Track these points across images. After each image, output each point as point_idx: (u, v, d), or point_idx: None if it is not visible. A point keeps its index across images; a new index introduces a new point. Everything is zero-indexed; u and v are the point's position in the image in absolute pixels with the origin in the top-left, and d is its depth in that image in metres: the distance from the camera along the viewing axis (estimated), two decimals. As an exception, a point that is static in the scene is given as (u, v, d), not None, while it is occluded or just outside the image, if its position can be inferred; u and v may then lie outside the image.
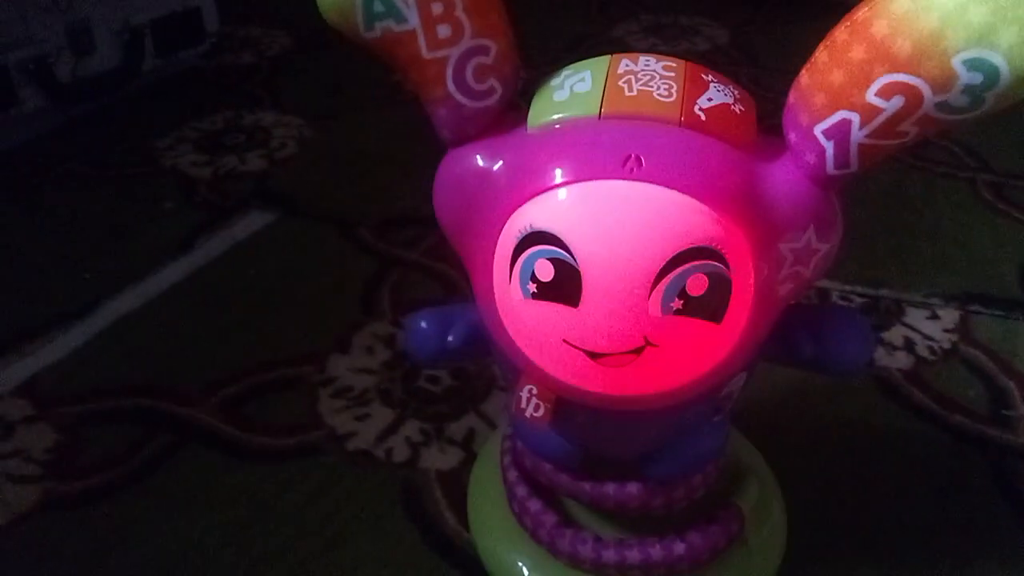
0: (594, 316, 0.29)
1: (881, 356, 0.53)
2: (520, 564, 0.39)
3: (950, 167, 0.72)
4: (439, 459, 0.47)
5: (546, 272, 0.28)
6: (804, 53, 0.28)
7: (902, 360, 0.53)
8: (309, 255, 0.64)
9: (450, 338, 0.36)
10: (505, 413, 0.40)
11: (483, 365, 0.51)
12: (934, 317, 0.56)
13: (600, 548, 0.37)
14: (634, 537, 0.38)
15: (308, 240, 0.66)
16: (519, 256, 0.29)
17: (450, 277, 0.59)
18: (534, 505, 0.39)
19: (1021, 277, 0.60)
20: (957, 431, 0.48)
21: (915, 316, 0.56)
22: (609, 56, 0.31)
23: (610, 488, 0.36)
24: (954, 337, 0.54)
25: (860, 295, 0.58)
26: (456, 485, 0.45)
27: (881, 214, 0.66)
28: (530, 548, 0.39)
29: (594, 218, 0.28)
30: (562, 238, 0.28)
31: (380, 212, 0.68)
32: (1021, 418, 0.49)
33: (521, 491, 0.39)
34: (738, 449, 0.43)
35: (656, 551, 0.37)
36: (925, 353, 0.53)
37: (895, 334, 0.55)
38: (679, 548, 0.37)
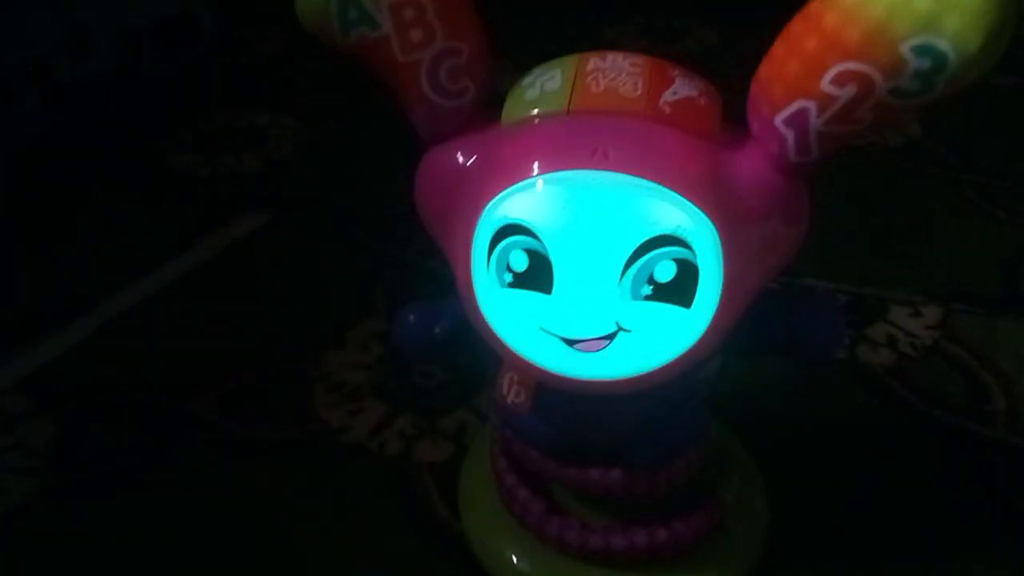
0: (567, 303, 0.30)
1: (864, 352, 0.54)
2: (509, 551, 0.40)
3: (935, 167, 0.73)
4: (431, 452, 0.48)
5: (520, 262, 0.30)
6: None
7: (885, 356, 0.54)
8: (304, 254, 0.65)
9: (437, 330, 0.37)
10: (491, 401, 0.41)
11: (474, 360, 0.52)
12: (917, 314, 0.57)
13: (586, 534, 0.38)
14: (619, 524, 0.39)
15: (303, 239, 0.67)
16: (495, 247, 0.30)
17: (442, 275, 0.59)
18: (522, 493, 0.40)
19: (1003, 275, 0.61)
20: (938, 425, 0.49)
21: (898, 313, 0.57)
22: (578, 55, 0.32)
23: (594, 473, 0.37)
24: (936, 334, 0.55)
25: (844, 292, 0.59)
26: (448, 477, 0.46)
27: (866, 213, 0.67)
28: (518, 536, 0.40)
29: (563, 209, 0.29)
30: (533, 229, 0.29)
31: (374, 211, 0.69)
32: (1000, 413, 0.50)
33: (510, 480, 0.40)
34: (722, 441, 0.43)
35: (640, 537, 0.38)
36: (908, 349, 0.54)
37: (878, 331, 0.55)
38: (662, 535, 0.38)
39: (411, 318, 0.38)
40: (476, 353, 0.36)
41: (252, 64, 0.96)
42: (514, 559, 0.40)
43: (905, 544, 0.43)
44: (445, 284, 0.35)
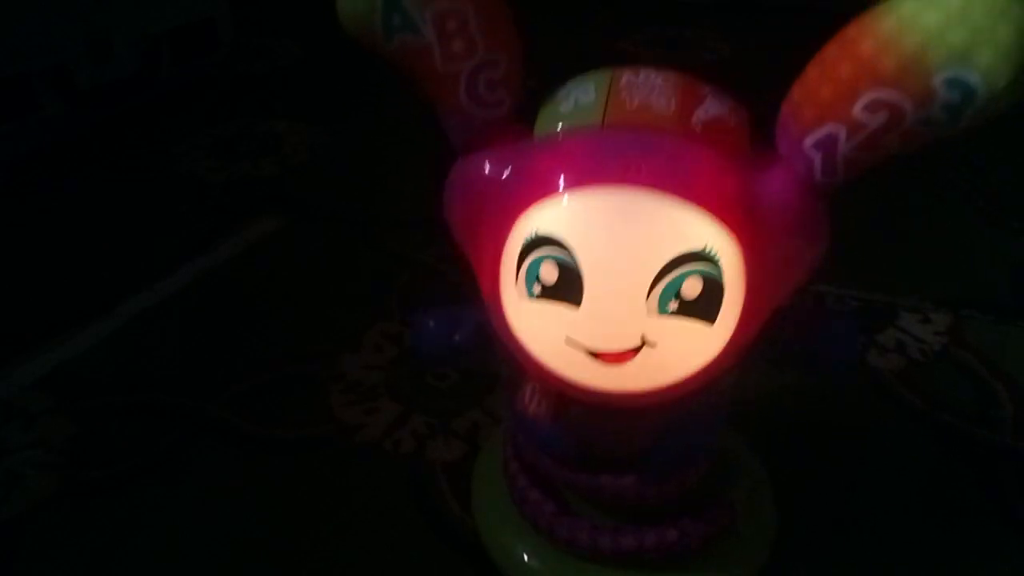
0: (594, 316, 0.30)
1: (873, 357, 0.54)
2: (521, 550, 0.41)
3: (947, 175, 0.74)
4: (444, 451, 0.48)
5: (550, 274, 0.30)
6: (805, 65, 0.29)
7: (894, 361, 0.54)
8: (320, 257, 0.66)
9: (456, 338, 0.38)
10: (507, 408, 0.41)
11: (487, 363, 0.53)
12: (926, 321, 0.57)
13: (596, 535, 0.39)
14: (629, 525, 0.39)
15: (319, 243, 0.67)
16: (525, 258, 0.30)
17: (456, 278, 0.60)
18: (534, 495, 0.40)
19: (1012, 283, 0.61)
20: (945, 430, 0.49)
21: (907, 320, 0.57)
22: (612, 69, 0.32)
23: (606, 480, 0.38)
24: (945, 340, 0.56)
25: (855, 298, 0.59)
26: (460, 476, 0.46)
27: (878, 220, 0.68)
28: (530, 535, 0.41)
29: (595, 223, 0.30)
30: (565, 242, 0.30)
31: (389, 215, 0.70)
32: (1008, 419, 0.50)
33: (522, 481, 0.41)
34: (731, 446, 0.44)
35: (650, 538, 0.38)
36: (916, 355, 0.55)
37: (888, 336, 0.56)
38: (672, 535, 0.38)
39: (430, 325, 0.38)
40: (493, 360, 0.37)
41: (269, 71, 0.97)
42: (525, 557, 0.41)
43: (911, 548, 0.43)
44: (459, 287, 0.36)
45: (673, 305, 0.30)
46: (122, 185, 0.76)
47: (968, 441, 0.49)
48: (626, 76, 0.32)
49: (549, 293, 0.30)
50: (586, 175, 0.30)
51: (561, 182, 0.30)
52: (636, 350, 0.30)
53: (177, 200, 0.73)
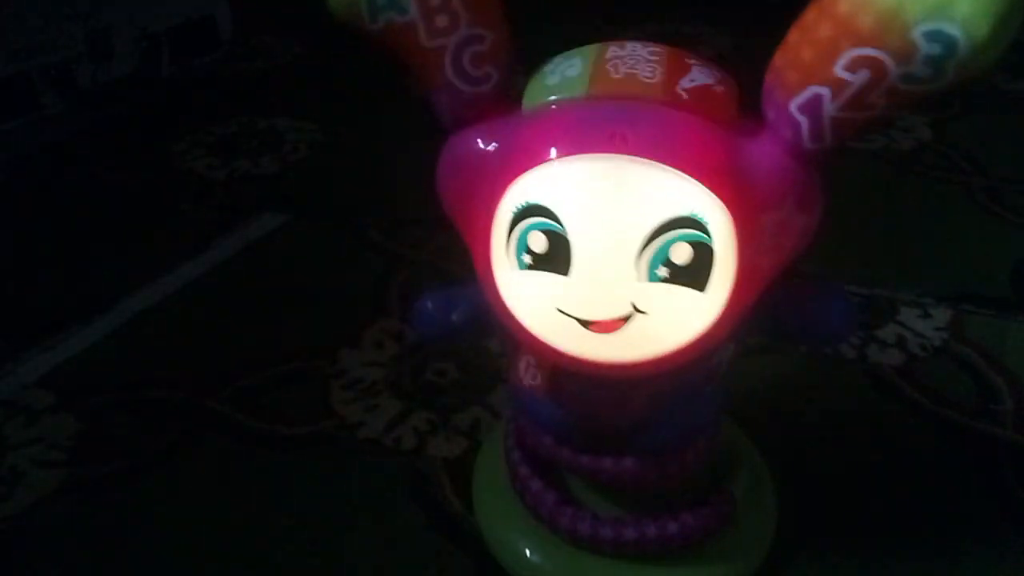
0: (584, 284, 0.30)
1: (874, 353, 0.54)
2: (522, 543, 0.41)
3: (946, 171, 0.74)
4: (445, 447, 0.48)
5: (539, 243, 0.30)
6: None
7: (895, 356, 0.54)
8: (320, 255, 0.66)
9: (454, 317, 0.38)
10: (505, 387, 0.41)
11: (487, 358, 0.53)
12: (926, 316, 0.57)
13: (598, 525, 0.39)
14: (630, 516, 0.39)
15: (319, 240, 0.68)
16: (514, 228, 0.31)
17: (456, 275, 0.60)
18: (535, 484, 0.40)
19: (1012, 278, 0.61)
20: (946, 424, 0.49)
21: (908, 315, 0.57)
22: (598, 43, 0.33)
23: (607, 462, 0.38)
24: (945, 335, 0.56)
25: (855, 293, 0.59)
26: (461, 472, 0.46)
27: (878, 216, 0.68)
28: (531, 529, 0.41)
29: (581, 191, 0.30)
30: (553, 210, 0.30)
31: (389, 213, 0.70)
32: (1008, 412, 0.50)
33: (523, 471, 0.41)
34: (733, 438, 0.44)
35: (651, 529, 0.38)
36: (917, 350, 0.55)
37: (888, 332, 0.56)
38: (672, 527, 0.38)
39: (429, 305, 0.38)
40: (490, 347, 0.37)
41: (269, 69, 0.97)
42: (527, 552, 0.41)
43: (913, 542, 0.43)
44: (458, 282, 0.36)
45: (663, 271, 0.30)
46: (123, 183, 0.76)
47: (969, 435, 0.49)
48: (611, 49, 0.32)
49: (539, 263, 0.31)
50: (571, 144, 0.30)
51: (547, 152, 0.30)
52: (627, 318, 0.30)
53: (178, 198, 0.73)
